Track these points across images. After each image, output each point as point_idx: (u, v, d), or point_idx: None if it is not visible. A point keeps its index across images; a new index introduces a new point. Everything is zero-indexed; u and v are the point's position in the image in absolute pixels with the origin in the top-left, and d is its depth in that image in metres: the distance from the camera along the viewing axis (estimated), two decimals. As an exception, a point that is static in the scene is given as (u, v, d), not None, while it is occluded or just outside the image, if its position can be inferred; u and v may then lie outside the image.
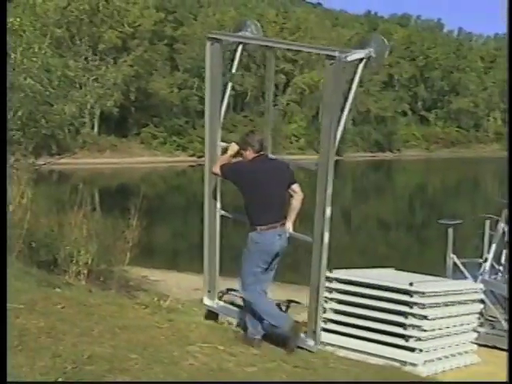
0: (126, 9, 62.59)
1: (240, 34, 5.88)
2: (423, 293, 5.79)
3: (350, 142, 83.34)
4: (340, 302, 6.28)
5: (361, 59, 5.12)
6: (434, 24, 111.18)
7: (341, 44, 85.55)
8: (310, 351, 5.10)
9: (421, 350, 5.76)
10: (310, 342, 5.15)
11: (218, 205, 5.93)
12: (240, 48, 5.88)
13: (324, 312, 6.46)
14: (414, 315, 5.74)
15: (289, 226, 5.23)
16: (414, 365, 5.65)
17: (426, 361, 5.78)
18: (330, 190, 5.05)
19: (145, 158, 58.21)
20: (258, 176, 5.12)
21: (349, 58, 5.00)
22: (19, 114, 9.26)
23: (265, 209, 5.08)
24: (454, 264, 8.09)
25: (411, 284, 5.79)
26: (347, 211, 33.24)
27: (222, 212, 5.97)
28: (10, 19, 9.58)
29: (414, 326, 5.74)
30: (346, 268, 6.75)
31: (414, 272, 7.00)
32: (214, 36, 5.77)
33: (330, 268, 6.59)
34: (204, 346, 4.59)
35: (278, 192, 5.14)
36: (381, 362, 5.51)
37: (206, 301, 6.14)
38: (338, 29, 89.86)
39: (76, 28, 55.04)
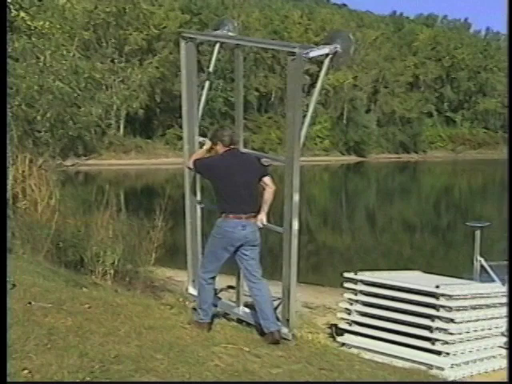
0: (152, 11, 63.04)
1: (217, 32, 6.04)
2: (450, 296, 5.73)
3: (375, 143, 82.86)
4: (365, 304, 6.25)
5: (326, 55, 5.21)
6: (461, 24, 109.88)
7: (366, 44, 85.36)
8: (335, 354, 5.07)
9: (447, 354, 5.71)
10: (284, 330, 5.23)
11: (198, 198, 6.14)
12: (217, 47, 6.01)
13: (349, 314, 6.45)
14: (440, 318, 5.69)
15: (262, 217, 5.35)
16: (440, 368, 5.60)
17: (453, 364, 5.72)
18: (296, 182, 5.15)
19: (170, 158, 58.47)
20: (226, 168, 5.30)
21: (311, 54, 5.13)
22: (48, 115, 9.38)
23: (231, 199, 5.28)
24: (482, 267, 7.97)
25: (438, 286, 5.74)
26: (371, 213, 33.05)
27: (202, 205, 6.17)
28: (39, 23, 9.74)
29: (440, 329, 5.69)
30: (370, 270, 6.72)
31: (441, 275, 6.93)
32: (187, 35, 5.96)
33: (355, 270, 6.58)
34: (229, 347, 4.59)
35: (247, 184, 5.28)
36: (407, 364, 5.46)
37: (191, 290, 6.26)
38: (363, 29, 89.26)
39: (103, 31, 55.61)
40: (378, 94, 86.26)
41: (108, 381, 3.45)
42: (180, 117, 6.09)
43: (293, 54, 5.02)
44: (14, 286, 4.99)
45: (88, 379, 3.38)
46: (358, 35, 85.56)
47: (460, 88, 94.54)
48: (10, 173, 7.81)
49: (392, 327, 5.87)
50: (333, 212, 32.96)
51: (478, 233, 8.12)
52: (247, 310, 5.91)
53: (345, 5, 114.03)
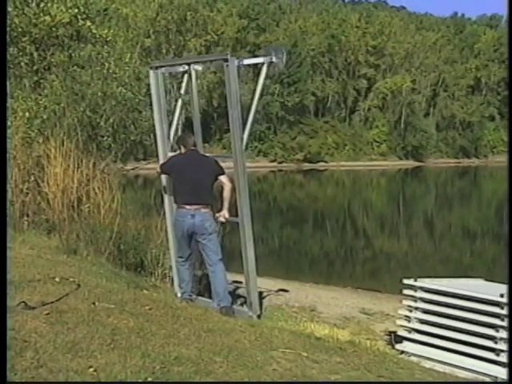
0: (211, 17, 63.89)
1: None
2: (515, 305, 5.55)
3: (434, 147, 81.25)
4: (425, 311, 6.13)
5: (262, 64, 6.18)
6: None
7: (425, 47, 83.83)
8: (394, 362, 5.00)
9: (513, 365, 5.52)
10: (249, 313, 6.06)
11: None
12: (186, 74, 6.74)
13: (408, 321, 6.34)
14: (505, 328, 5.51)
15: (223, 213, 6.26)
16: (505, 381, 5.42)
17: (518, 376, 5.53)
18: (242, 181, 6.19)
19: (226, 163, 58.93)
20: (181, 165, 6.23)
21: (245, 62, 6.36)
22: (111, 120, 9.64)
23: (183, 191, 6.19)
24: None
25: (502, 295, 5.57)
26: (430, 218, 32.38)
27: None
28: (103, 31, 10.03)
29: (505, 340, 5.51)
30: (429, 277, 6.59)
31: (503, 283, 6.72)
32: (155, 65, 6.94)
33: (414, 276, 6.46)
34: (287, 352, 4.59)
35: (198, 180, 6.14)
36: (470, 375, 5.33)
37: (178, 294, 6.79)
38: (423, 32, 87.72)
39: (164, 37, 56.75)
40: (438, 97, 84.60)
41: (170, 381, 3.51)
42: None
43: (226, 60, 5.92)
44: (78, 286, 5.14)
45: (150, 379, 3.45)
46: (416, 38, 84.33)
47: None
48: (75, 176, 8.05)
49: (453, 336, 5.73)
50: (390, 217, 32.46)
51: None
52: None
53: (404, 7, 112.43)
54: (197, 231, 6.17)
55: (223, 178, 6.22)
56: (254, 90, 6.45)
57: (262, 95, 6.72)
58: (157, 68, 6.78)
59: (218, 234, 6.38)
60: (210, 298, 6.61)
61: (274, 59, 6.10)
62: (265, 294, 9.31)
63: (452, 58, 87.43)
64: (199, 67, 6.81)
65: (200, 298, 6.72)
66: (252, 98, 6.30)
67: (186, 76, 6.75)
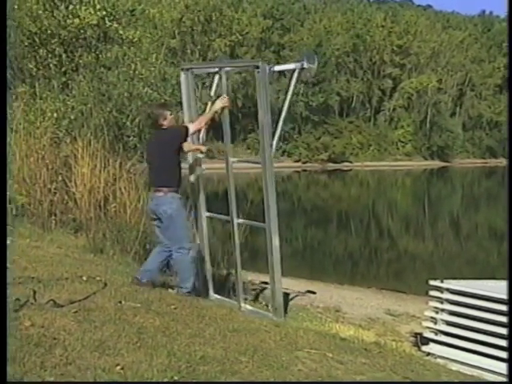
0: (236, 17, 64.01)
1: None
2: (544, 308, 5.47)
3: (460, 147, 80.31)
4: (452, 313, 6.08)
5: (294, 70, 6.08)
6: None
7: (452, 46, 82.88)
8: (420, 364, 4.97)
9: (541, 369, 5.44)
10: (274, 318, 5.95)
11: (203, 208, 6.79)
12: (217, 76, 6.62)
13: (435, 323, 6.29)
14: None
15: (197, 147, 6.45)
16: (505, 382, 5.36)
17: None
18: (270, 188, 5.98)
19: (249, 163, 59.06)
20: (148, 149, 6.07)
21: (276, 68, 6.19)
22: (136, 121, 9.72)
23: (150, 175, 5.93)
24: None
25: (530, 298, 5.49)
26: (456, 219, 32.04)
27: (208, 214, 6.84)
28: (130, 32, 10.13)
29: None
30: (455, 278, 6.53)
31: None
32: (186, 67, 6.86)
33: (440, 278, 6.40)
34: (312, 352, 4.58)
35: (158, 162, 5.75)
36: (498, 378, 5.26)
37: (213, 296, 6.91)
38: (449, 31, 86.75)
39: (189, 38, 57.01)
40: (464, 97, 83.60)
41: (195, 381, 3.53)
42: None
43: (257, 67, 5.79)
44: (105, 285, 5.19)
45: (176, 378, 3.47)
46: (443, 37, 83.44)
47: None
48: (102, 176, 8.14)
49: (481, 338, 5.67)
50: (415, 218, 32.19)
51: None
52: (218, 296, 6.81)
53: (430, 6, 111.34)
54: (155, 215, 5.78)
55: (190, 128, 5.92)
56: (285, 95, 6.39)
57: (291, 101, 6.58)
58: (188, 70, 6.76)
59: (181, 218, 5.85)
60: (235, 296, 6.65)
61: (305, 65, 6.01)
62: (291, 295, 9.32)
63: (479, 56, 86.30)
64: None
65: (226, 299, 6.72)
66: (282, 105, 6.18)
67: (216, 78, 6.69)
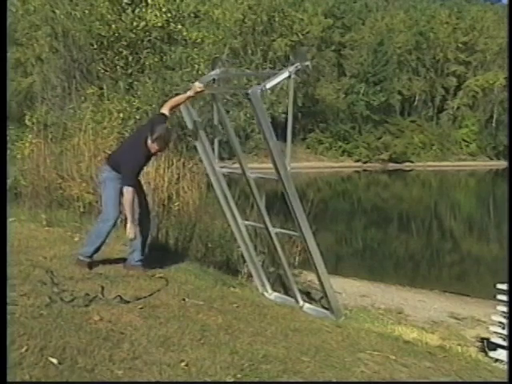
0: (298, 17, 63.88)
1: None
2: None
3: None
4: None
5: (288, 77, 5.67)
6: None
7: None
8: (488, 370, 4.83)
9: None
10: (332, 317, 5.97)
11: (237, 215, 6.61)
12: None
13: (503, 328, 6.10)
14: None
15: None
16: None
17: None
18: (295, 203, 5.82)
19: (311, 163, 58.80)
20: None
21: (268, 86, 5.56)
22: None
23: None
24: None
25: None
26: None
27: (246, 222, 6.69)
28: (194, 33, 10.27)
29: None
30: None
31: None
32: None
33: (506, 282, 6.21)
34: (374, 354, 4.54)
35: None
36: None
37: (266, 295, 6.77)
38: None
39: (251, 38, 57.28)
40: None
41: (258, 380, 3.55)
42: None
43: (247, 94, 5.38)
44: (167, 282, 5.29)
45: (239, 376, 3.50)
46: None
47: None
48: (166, 175, 8.29)
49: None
50: (479, 219, 31.29)
51: None
52: (277, 294, 6.73)
53: (498, 0, 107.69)
54: None
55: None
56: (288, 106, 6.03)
57: (293, 108, 6.10)
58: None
59: (104, 185, 5.56)
60: (287, 295, 6.66)
61: (299, 66, 5.67)
62: (348, 295, 9.24)
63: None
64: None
65: (284, 296, 6.71)
66: (287, 114, 5.88)
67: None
